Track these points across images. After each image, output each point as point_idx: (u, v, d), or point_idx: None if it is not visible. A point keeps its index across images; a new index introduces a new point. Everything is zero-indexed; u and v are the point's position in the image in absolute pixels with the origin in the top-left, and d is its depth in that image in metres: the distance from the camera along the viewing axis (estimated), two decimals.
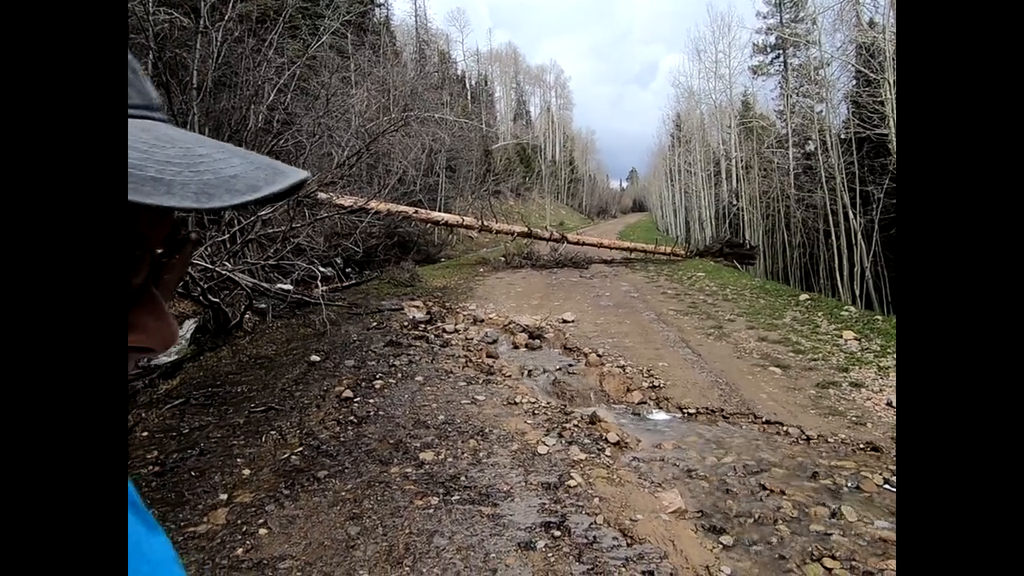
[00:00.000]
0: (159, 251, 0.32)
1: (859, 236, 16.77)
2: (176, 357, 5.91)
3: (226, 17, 8.78)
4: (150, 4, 7.70)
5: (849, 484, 3.54)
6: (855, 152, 17.82)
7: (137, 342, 0.33)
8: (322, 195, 9.14)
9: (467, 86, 47.17)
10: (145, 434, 4.08)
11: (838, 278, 18.23)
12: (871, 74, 14.85)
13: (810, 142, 21.27)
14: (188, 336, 6.65)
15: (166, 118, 0.34)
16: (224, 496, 3.28)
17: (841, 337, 6.78)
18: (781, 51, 26.56)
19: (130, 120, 0.30)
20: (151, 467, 3.60)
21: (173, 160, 0.28)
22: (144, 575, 0.40)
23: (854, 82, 18.54)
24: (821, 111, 19.66)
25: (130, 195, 0.25)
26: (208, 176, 0.29)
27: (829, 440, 4.18)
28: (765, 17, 27.52)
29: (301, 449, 3.86)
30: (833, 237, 18.32)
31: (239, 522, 3.03)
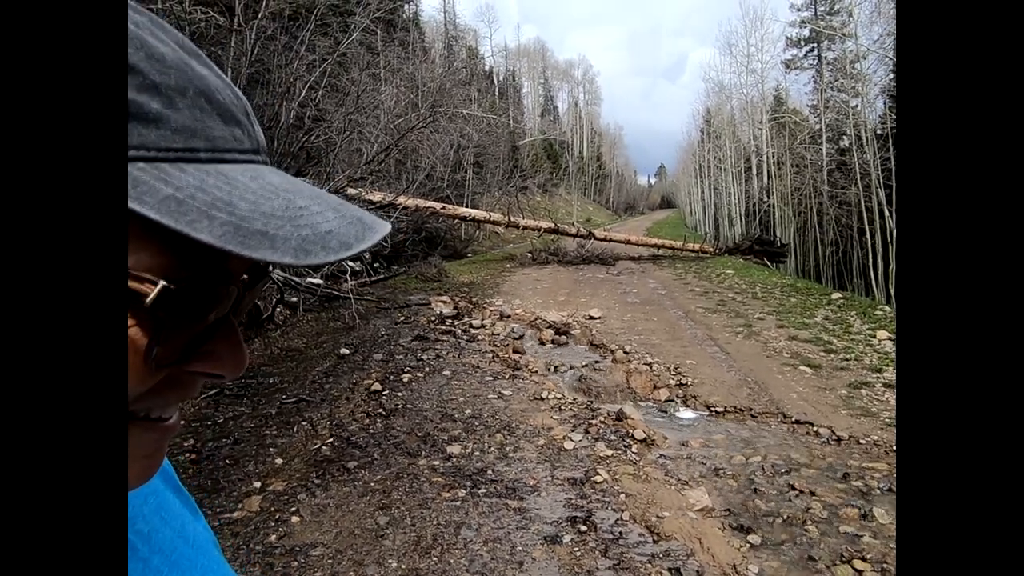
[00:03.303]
0: (244, 281, 0.34)
1: (895, 234, 16.35)
2: None
3: (259, 15, 8.92)
4: (187, 3, 7.88)
5: (881, 486, 3.48)
6: (891, 148, 17.37)
7: (210, 369, 0.34)
8: (351, 191, 9.25)
9: (495, 82, 47.19)
10: (182, 423, 4.19)
11: (872, 277, 17.83)
12: None
13: (844, 138, 20.81)
14: None
15: (268, 160, 0.36)
16: (258, 484, 3.37)
17: (875, 337, 6.64)
18: (815, 44, 26.02)
19: (239, 166, 0.32)
20: (188, 455, 3.71)
21: (277, 213, 0.30)
22: (188, 558, 0.43)
23: (891, 76, 18.06)
24: (856, 106, 19.20)
25: (239, 248, 0.27)
26: (307, 232, 0.30)
27: (861, 441, 4.11)
28: (799, 9, 26.98)
29: (331, 440, 3.93)
30: (867, 235, 17.90)
31: (272, 509, 3.11)
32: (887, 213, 16.64)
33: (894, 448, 3.98)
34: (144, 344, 0.29)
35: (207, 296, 0.31)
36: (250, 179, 0.31)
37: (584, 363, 5.97)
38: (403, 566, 2.66)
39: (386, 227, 0.35)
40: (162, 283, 0.28)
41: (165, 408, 0.34)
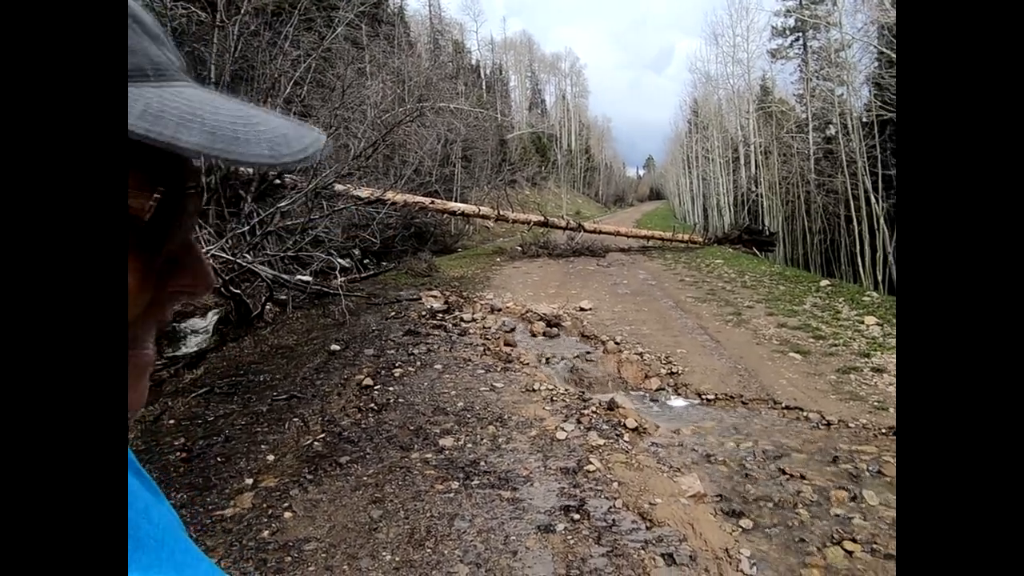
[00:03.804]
0: (190, 189, 0.34)
1: (882, 221, 16.47)
2: (199, 347, 6.02)
3: (242, 11, 8.83)
4: None
5: (870, 468, 3.52)
6: (877, 135, 17.50)
7: (190, 281, 0.35)
8: (339, 187, 9.20)
9: (482, 75, 46.98)
10: (172, 422, 4.17)
11: (860, 264, 17.97)
12: (894, 55, 14.51)
13: (831, 126, 20.92)
14: (211, 327, 6.76)
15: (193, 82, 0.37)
16: (249, 481, 3.35)
17: (863, 323, 6.70)
18: (801, 34, 26.08)
19: (180, 83, 0.32)
20: (178, 453, 3.68)
21: (239, 121, 0.30)
22: (154, 538, 0.42)
23: (876, 64, 18.15)
24: (842, 94, 19.29)
25: (223, 153, 0.27)
26: (269, 135, 0.31)
27: (850, 425, 4.15)
28: None
29: (323, 436, 3.92)
30: (855, 222, 18.03)
31: (264, 506, 3.09)
32: (873, 200, 16.75)
33: (883, 431, 4.02)
34: (141, 263, 0.30)
35: (183, 207, 0.33)
36: (204, 95, 0.32)
37: (575, 354, 5.98)
38: (397, 558, 2.66)
39: (315, 131, 0.36)
40: (156, 195, 0.29)
41: (147, 335, 0.35)
